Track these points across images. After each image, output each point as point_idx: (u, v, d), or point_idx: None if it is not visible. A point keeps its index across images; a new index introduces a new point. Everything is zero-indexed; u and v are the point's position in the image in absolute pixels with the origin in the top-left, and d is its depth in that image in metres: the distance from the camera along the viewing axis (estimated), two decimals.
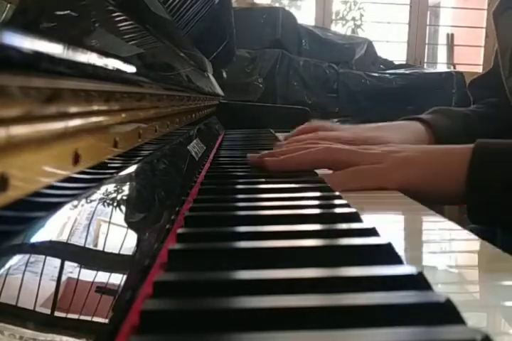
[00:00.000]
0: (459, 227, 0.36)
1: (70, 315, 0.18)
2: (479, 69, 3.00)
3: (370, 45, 2.68)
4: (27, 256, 0.18)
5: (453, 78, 2.49)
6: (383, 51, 2.82)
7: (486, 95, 0.83)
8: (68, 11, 0.23)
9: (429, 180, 0.49)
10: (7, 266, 0.16)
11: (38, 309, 0.17)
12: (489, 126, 0.75)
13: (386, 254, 0.26)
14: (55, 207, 0.21)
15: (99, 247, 0.23)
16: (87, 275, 0.21)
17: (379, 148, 0.53)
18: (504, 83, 0.75)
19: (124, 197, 0.29)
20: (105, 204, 0.26)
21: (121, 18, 0.34)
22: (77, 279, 0.20)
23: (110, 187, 0.28)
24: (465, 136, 0.70)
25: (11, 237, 0.17)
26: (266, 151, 0.58)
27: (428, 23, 3.13)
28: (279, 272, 0.23)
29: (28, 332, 0.16)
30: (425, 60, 3.09)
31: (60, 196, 0.22)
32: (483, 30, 3.07)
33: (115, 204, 0.27)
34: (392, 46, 3.24)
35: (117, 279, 0.22)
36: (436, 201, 0.52)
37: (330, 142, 0.57)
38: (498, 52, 0.76)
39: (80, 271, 0.20)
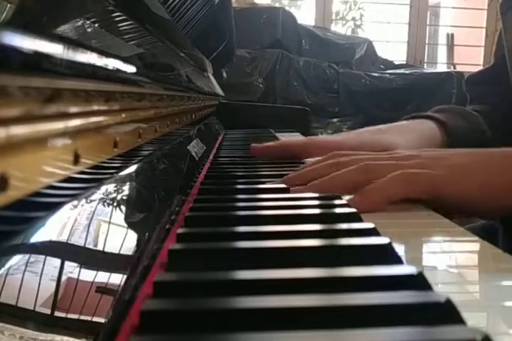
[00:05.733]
0: (459, 227, 0.36)
1: (70, 315, 0.18)
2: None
3: (370, 45, 2.68)
4: (27, 256, 0.18)
5: (453, 78, 2.49)
6: (383, 51, 2.83)
7: (484, 93, 0.80)
8: (68, 11, 0.23)
9: (488, 191, 0.42)
10: (7, 266, 0.16)
11: (38, 309, 0.17)
12: (497, 131, 0.71)
13: (386, 254, 0.26)
14: (55, 207, 0.21)
15: (99, 247, 0.23)
16: (87, 275, 0.21)
17: (419, 153, 0.46)
18: (511, 81, 0.72)
19: (124, 197, 0.29)
20: (105, 204, 0.26)
21: (121, 18, 0.34)
22: (77, 279, 0.20)
23: (110, 187, 0.28)
24: (478, 139, 0.66)
25: (11, 237, 0.17)
26: (290, 174, 0.49)
27: (428, 23, 3.14)
28: (279, 272, 0.23)
29: (28, 332, 0.16)
30: (425, 60, 3.10)
31: (60, 196, 0.22)
32: (483, 30, 3.07)
33: (115, 204, 0.27)
34: (392, 46, 3.24)
35: (117, 279, 0.22)
36: (495, 215, 0.46)
37: (347, 156, 0.49)
38: (506, 50, 0.72)
39: (79, 271, 0.20)
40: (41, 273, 0.18)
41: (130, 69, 0.30)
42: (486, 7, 3.06)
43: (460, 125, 0.67)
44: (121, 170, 0.31)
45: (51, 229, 0.20)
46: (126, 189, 0.30)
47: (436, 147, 0.64)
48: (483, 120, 0.70)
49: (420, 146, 0.61)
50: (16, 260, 0.17)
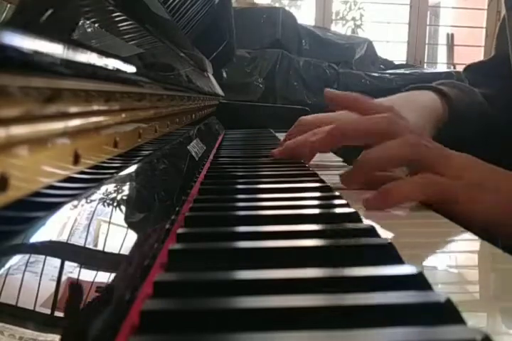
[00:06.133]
0: (459, 227, 0.36)
1: (70, 315, 0.18)
2: None
3: (370, 45, 2.68)
4: (27, 256, 0.18)
5: (453, 78, 2.49)
6: (383, 51, 2.82)
7: (483, 83, 0.79)
8: (68, 11, 0.23)
9: (503, 212, 0.41)
10: (7, 266, 0.16)
11: (38, 309, 0.17)
12: (497, 113, 0.70)
13: (386, 254, 0.26)
14: (55, 207, 0.21)
15: (99, 247, 0.23)
16: (87, 275, 0.21)
17: (458, 158, 0.45)
18: None
19: (124, 197, 0.29)
20: (105, 204, 0.26)
21: (121, 18, 0.34)
22: (77, 279, 0.20)
23: (110, 187, 0.28)
24: (478, 118, 0.66)
25: (11, 237, 0.17)
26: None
27: (428, 23, 3.13)
28: (279, 272, 0.23)
29: (28, 332, 0.16)
30: (425, 60, 3.09)
31: (60, 196, 0.22)
32: (483, 30, 3.07)
33: (115, 204, 0.27)
34: (392, 46, 3.24)
35: (117, 279, 0.22)
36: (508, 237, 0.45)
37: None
38: (510, 43, 0.71)
39: (79, 271, 0.20)
40: (41, 273, 0.18)
41: (130, 69, 0.30)
42: (486, 7, 3.05)
43: (461, 97, 0.66)
44: (121, 170, 0.31)
45: (51, 229, 0.20)
46: (126, 189, 0.30)
47: (437, 118, 0.64)
48: (487, 100, 0.70)
49: (422, 120, 0.60)
50: (16, 260, 0.17)
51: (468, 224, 0.42)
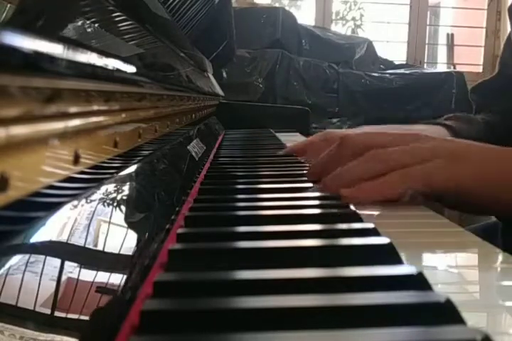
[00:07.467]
0: (459, 227, 0.36)
1: (70, 315, 0.18)
2: (479, 69, 2.99)
3: (370, 45, 2.68)
4: (27, 256, 0.18)
5: (453, 78, 2.49)
6: (383, 51, 2.82)
7: (490, 101, 0.80)
8: (68, 11, 0.23)
9: (482, 185, 0.42)
10: (7, 266, 0.16)
11: (38, 309, 0.17)
12: (493, 133, 0.73)
13: (386, 254, 0.26)
14: (55, 207, 0.21)
15: (99, 247, 0.23)
16: (87, 275, 0.21)
17: (426, 141, 0.46)
18: None
19: (124, 197, 0.29)
20: (105, 204, 0.26)
21: (121, 18, 0.34)
22: (77, 279, 0.20)
23: (110, 187, 0.28)
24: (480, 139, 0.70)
25: (11, 237, 0.17)
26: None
27: (428, 23, 3.13)
28: (279, 272, 0.23)
29: (28, 332, 0.16)
30: (425, 60, 3.09)
31: (60, 196, 0.22)
32: (483, 30, 3.06)
33: (115, 204, 0.27)
34: (392, 46, 3.24)
35: (117, 279, 0.22)
36: (489, 211, 0.47)
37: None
38: None
39: (79, 271, 0.20)
40: (41, 273, 0.18)
41: (130, 69, 0.30)
42: (486, 7, 3.05)
43: (468, 133, 0.70)
44: (121, 170, 0.31)
45: (51, 229, 0.20)
46: (126, 189, 0.30)
47: None
48: (487, 129, 0.73)
49: None
50: (16, 260, 0.17)
51: (460, 202, 0.43)
